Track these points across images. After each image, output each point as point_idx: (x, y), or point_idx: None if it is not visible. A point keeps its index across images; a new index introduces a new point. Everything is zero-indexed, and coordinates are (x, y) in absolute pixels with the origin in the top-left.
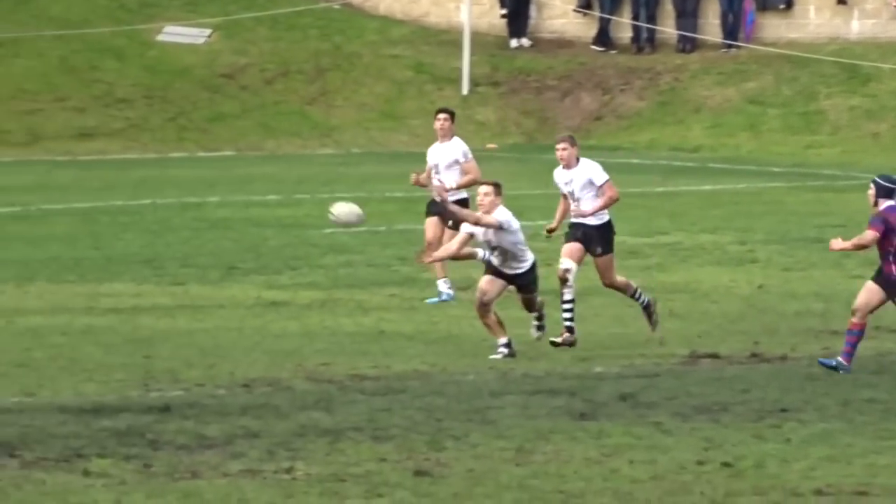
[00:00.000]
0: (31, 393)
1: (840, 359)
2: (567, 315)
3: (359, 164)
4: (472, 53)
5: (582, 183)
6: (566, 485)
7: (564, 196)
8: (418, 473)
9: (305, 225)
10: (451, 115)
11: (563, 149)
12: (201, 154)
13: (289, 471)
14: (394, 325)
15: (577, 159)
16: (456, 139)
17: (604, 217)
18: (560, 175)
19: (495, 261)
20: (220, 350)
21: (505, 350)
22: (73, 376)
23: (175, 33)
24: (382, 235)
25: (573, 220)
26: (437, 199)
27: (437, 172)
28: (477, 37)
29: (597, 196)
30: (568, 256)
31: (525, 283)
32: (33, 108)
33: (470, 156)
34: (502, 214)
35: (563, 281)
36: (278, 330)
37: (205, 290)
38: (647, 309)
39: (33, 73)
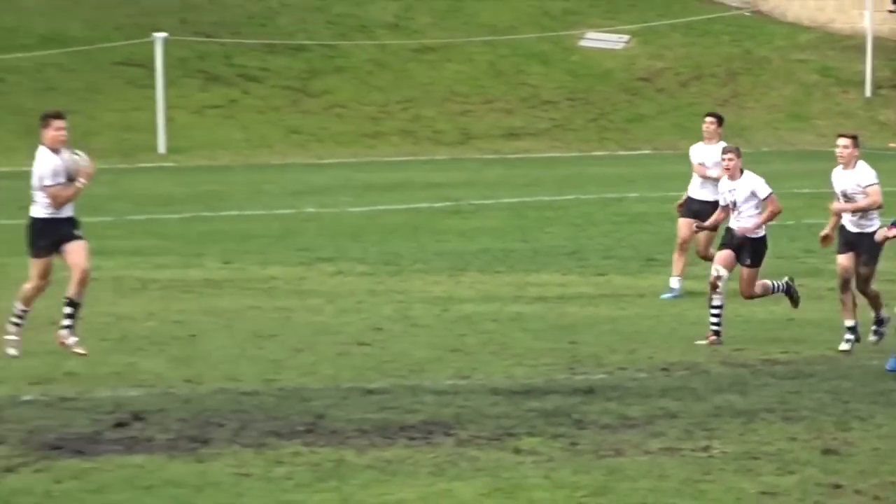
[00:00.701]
0: (465, 376)
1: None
2: (714, 320)
3: (768, 162)
4: (875, 58)
5: (745, 195)
6: None
7: (724, 207)
8: (826, 452)
9: None
10: (719, 119)
11: (730, 159)
12: (621, 153)
13: (706, 449)
14: (802, 313)
15: (741, 171)
16: (723, 143)
17: (760, 232)
18: (724, 184)
19: (851, 217)
20: (640, 336)
21: (850, 336)
22: (503, 360)
23: (596, 39)
24: (791, 229)
25: (729, 226)
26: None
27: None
28: (879, 41)
29: (759, 209)
30: (721, 264)
31: (867, 248)
32: (464, 110)
33: None
34: (869, 176)
35: (714, 287)
36: (694, 318)
37: (625, 280)
38: (789, 291)
39: (464, 77)
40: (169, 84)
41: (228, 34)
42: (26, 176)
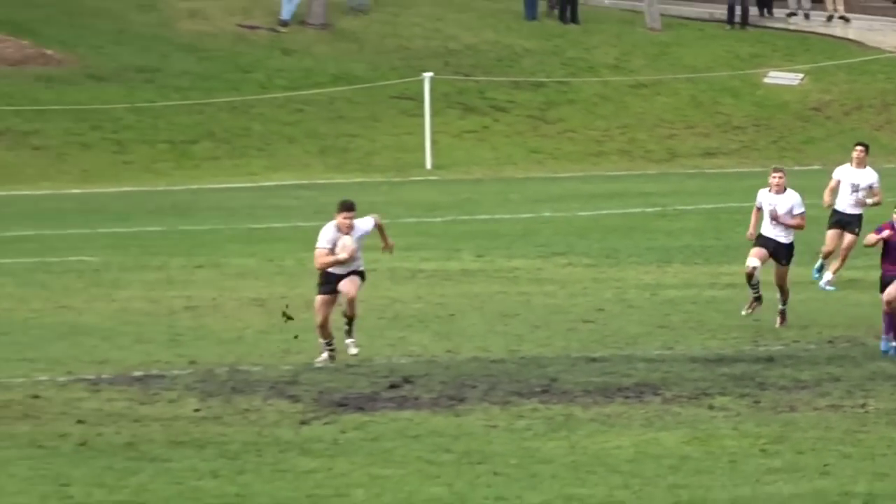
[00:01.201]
0: (670, 347)
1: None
2: (754, 292)
3: None
4: None
5: (786, 208)
6: None
7: (759, 209)
8: None
9: (874, 222)
10: (867, 148)
11: (780, 177)
12: (796, 168)
13: (863, 406)
14: None
15: (785, 188)
16: (869, 168)
17: (791, 237)
18: (767, 197)
19: None
20: (810, 315)
21: None
22: (700, 335)
23: (776, 77)
24: None
25: (764, 233)
26: None
27: (855, 191)
28: None
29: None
30: (757, 258)
31: None
32: (670, 134)
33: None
34: None
35: (750, 277)
36: (854, 301)
37: (799, 270)
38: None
39: (670, 108)
40: (434, 114)
41: (482, 73)
42: (319, 188)
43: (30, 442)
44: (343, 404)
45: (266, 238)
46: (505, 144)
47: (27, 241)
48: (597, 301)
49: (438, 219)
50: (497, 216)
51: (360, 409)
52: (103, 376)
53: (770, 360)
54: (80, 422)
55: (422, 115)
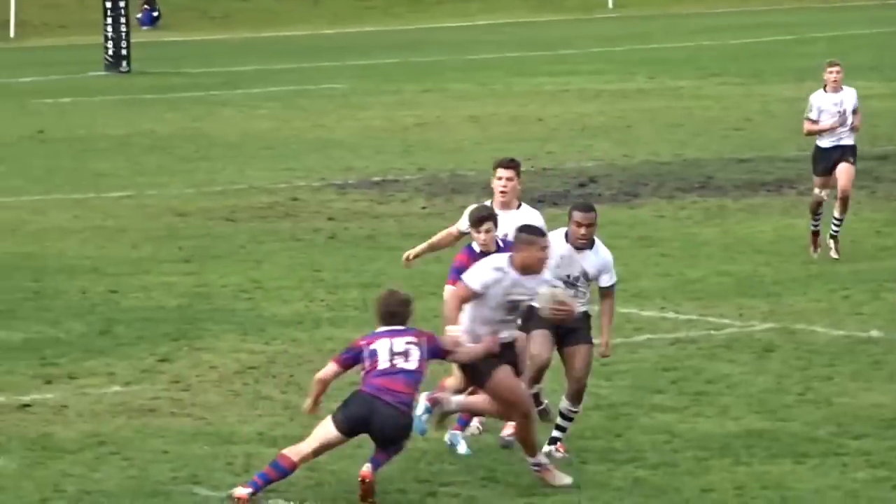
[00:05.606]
0: (803, 149)
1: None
2: None
3: None
4: None
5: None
6: None
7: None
8: None
9: None
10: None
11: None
12: None
13: None
14: None
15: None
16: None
17: None
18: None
19: None
20: None
21: None
22: None
23: None
24: None
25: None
26: None
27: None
28: None
29: None
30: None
31: None
32: None
33: None
34: None
35: None
36: None
37: None
38: None
39: None
40: None
41: None
42: (522, 25)
43: (290, 236)
44: (541, 200)
45: (480, 66)
46: None
47: (289, 73)
48: (746, 112)
49: (618, 48)
50: (665, 45)
51: (555, 203)
52: (349, 181)
53: (884, 157)
54: (330, 219)
55: None
